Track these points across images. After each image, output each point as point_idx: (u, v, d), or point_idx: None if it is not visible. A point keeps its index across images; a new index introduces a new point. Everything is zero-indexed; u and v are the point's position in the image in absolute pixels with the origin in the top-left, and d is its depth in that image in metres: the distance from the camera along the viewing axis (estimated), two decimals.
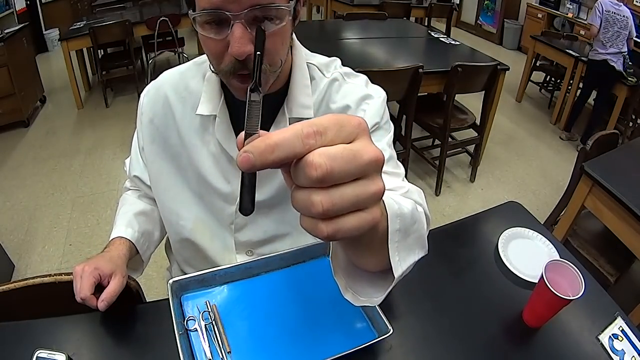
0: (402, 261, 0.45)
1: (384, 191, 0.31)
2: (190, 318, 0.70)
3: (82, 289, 0.67)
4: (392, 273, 0.44)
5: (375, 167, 0.29)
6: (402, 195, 0.62)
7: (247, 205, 0.33)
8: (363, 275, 0.49)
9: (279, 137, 0.27)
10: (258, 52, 0.33)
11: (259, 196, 0.76)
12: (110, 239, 0.82)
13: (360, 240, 0.40)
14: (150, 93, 0.80)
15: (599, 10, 3.17)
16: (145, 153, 0.82)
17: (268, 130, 0.61)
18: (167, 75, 0.80)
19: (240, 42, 0.54)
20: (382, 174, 0.46)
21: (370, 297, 0.48)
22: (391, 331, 0.65)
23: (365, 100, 0.75)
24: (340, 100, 0.74)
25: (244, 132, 0.30)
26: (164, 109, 0.77)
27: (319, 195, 0.27)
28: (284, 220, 0.81)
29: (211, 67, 0.65)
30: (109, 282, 0.71)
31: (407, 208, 0.46)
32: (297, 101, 0.71)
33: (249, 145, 0.27)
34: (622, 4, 3.14)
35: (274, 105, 0.71)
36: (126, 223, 0.84)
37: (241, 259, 0.83)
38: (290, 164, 0.28)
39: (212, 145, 0.74)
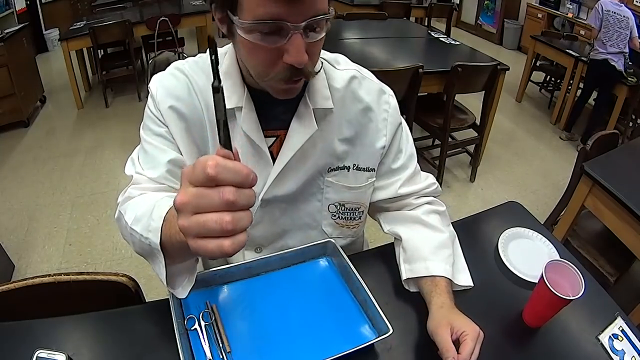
0: (460, 277, 0.82)
1: None
2: (190, 318, 0.70)
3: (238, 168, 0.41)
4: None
5: None
6: (433, 209, 0.85)
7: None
8: None
9: None
10: (213, 56, 0.40)
11: (282, 190, 0.76)
12: (164, 213, 0.58)
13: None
14: (167, 83, 0.72)
15: (599, 11, 3.17)
16: (177, 141, 0.72)
17: (289, 123, 0.73)
18: (182, 64, 0.74)
19: (301, 52, 0.56)
20: (413, 178, 0.87)
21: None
22: (391, 331, 0.65)
23: (382, 98, 0.80)
24: (365, 96, 0.78)
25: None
26: (191, 97, 0.71)
27: None
28: (298, 216, 0.82)
29: (251, 74, 0.64)
30: None
31: (448, 266, 0.78)
32: (318, 92, 0.73)
33: None
34: (623, 4, 3.15)
35: (293, 98, 0.70)
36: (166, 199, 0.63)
37: (249, 255, 0.83)
38: None
39: (236, 140, 0.71)
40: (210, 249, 0.39)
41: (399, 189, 0.83)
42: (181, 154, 0.72)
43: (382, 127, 0.79)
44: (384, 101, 0.80)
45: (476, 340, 0.63)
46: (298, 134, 0.72)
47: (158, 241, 0.56)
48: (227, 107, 0.65)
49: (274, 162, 0.74)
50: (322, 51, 0.78)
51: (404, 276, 0.80)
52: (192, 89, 0.71)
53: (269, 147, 0.73)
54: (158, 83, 0.72)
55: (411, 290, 0.81)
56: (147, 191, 0.69)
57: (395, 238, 0.87)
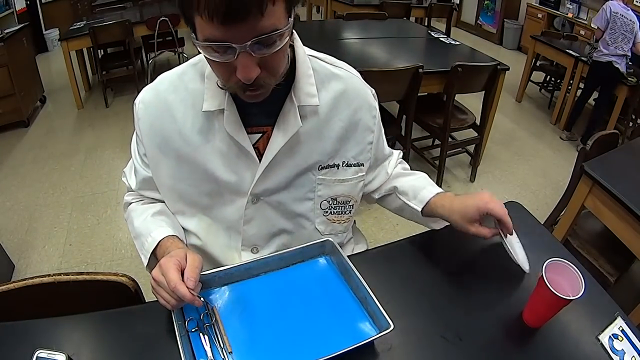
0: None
1: None
2: (191, 319, 0.70)
3: (171, 280, 0.62)
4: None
5: None
6: (405, 166, 1.01)
7: None
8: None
9: None
10: None
11: (271, 184, 0.78)
12: (151, 248, 0.78)
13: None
14: (147, 99, 0.78)
15: (606, 12, 3.16)
16: (149, 158, 0.80)
17: (276, 119, 0.74)
18: (164, 79, 0.79)
19: (248, 69, 0.58)
20: (392, 154, 1.01)
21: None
22: (392, 327, 0.65)
23: (370, 96, 0.85)
24: (357, 96, 0.82)
25: None
26: (164, 113, 0.76)
27: None
28: (291, 215, 0.83)
29: (218, 82, 0.68)
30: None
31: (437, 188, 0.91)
32: (303, 90, 0.74)
33: None
34: (629, 8, 3.15)
35: (279, 95, 0.72)
36: (157, 225, 0.81)
37: (245, 255, 0.84)
38: None
39: (217, 141, 0.75)
40: (161, 302, 0.67)
41: (388, 168, 0.96)
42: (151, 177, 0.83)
43: (372, 124, 0.84)
44: (372, 99, 0.85)
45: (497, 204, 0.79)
46: (282, 130, 0.74)
47: (146, 263, 0.81)
48: (210, 109, 0.72)
49: (261, 157, 0.75)
50: (311, 50, 0.80)
51: (418, 209, 0.89)
52: (168, 106, 0.76)
53: (255, 143, 0.75)
54: (141, 98, 0.79)
55: (425, 225, 0.95)
56: (132, 201, 0.90)
57: (388, 194, 0.97)
